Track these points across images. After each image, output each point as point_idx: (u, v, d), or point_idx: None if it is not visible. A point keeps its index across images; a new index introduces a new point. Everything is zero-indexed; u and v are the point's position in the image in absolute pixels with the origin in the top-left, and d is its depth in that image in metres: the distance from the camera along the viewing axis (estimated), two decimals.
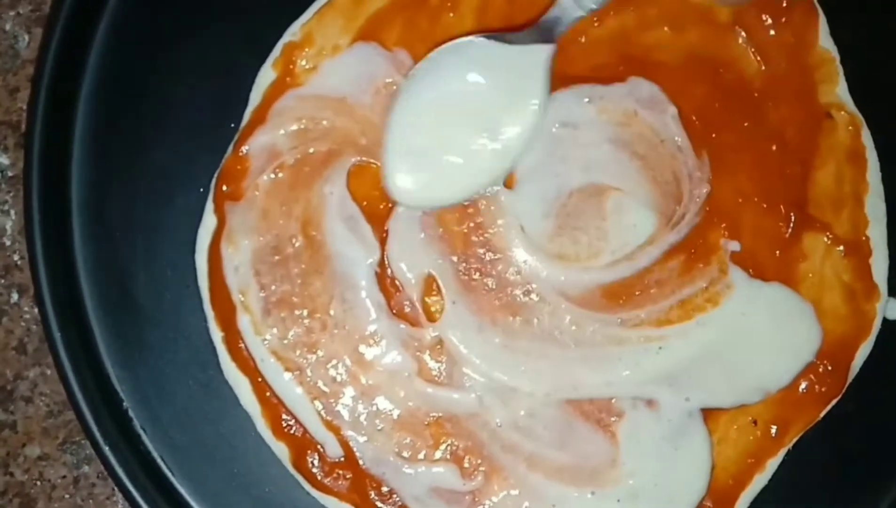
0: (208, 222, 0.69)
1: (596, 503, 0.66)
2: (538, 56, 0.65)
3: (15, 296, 0.73)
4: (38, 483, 0.72)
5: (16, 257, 0.73)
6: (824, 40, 0.69)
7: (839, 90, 0.69)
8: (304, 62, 0.68)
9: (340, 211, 0.68)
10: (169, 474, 0.68)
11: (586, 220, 0.68)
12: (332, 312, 0.68)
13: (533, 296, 0.67)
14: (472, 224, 0.68)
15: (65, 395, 0.70)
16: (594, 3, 0.66)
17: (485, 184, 0.67)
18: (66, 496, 0.72)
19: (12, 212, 0.73)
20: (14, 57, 0.74)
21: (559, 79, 0.67)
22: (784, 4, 0.68)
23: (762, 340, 0.67)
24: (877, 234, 0.69)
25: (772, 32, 0.68)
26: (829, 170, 0.69)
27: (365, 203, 0.68)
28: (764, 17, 0.68)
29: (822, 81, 0.69)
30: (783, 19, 0.68)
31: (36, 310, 0.72)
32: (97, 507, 0.72)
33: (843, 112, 0.69)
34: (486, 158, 0.66)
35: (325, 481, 0.67)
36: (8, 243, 0.73)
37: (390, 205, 0.68)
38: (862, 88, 0.69)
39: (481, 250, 0.68)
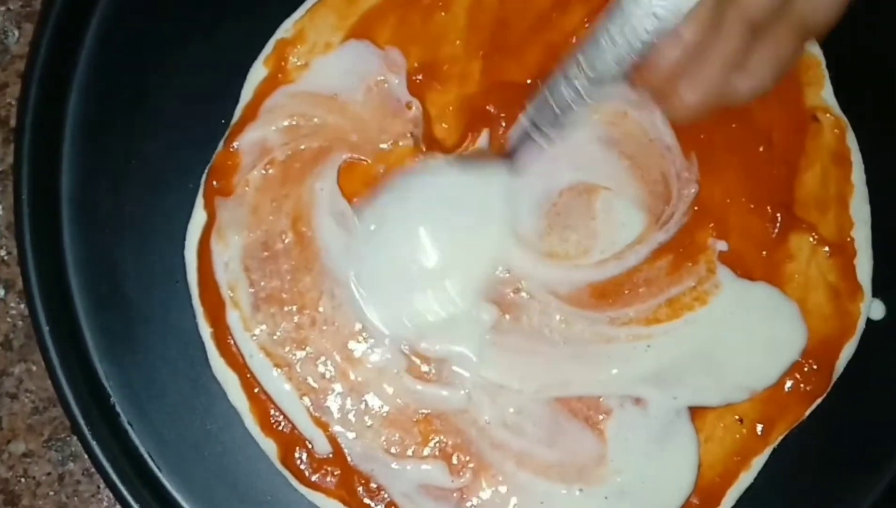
0: (198, 217, 0.68)
1: (584, 500, 0.66)
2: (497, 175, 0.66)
3: (1, 292, 0.72)
4: (23, 479, 0.72)
5: (2, 253, 0.73)
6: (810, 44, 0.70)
7: (825, 93, 0.70)
8: (295, 59, 0.68)
9: (331, 207, 0.68)
10: (156, 469, 0.67)
11: (576, 219, 0.68)
12: (321, 308, 0.68)
13: (523, 294, 0.68)
14: None
15: (50, 391, 0.70)
16: (554, 132, 0.63)
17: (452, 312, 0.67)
18: (51, 493, 0.72)
19: (0, 207, 0.73)
20: (3, 52, 0.74)
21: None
22: None
23: (749, 339, 0.68)
24: (861, 235, 0.69)
25: None
26: (815, 172, 0.69)
27: (355, 200, 0.68)
28: None
29: (808, 84, 0.70)
30: None
31: (22, 306, 0.72)
32: (82, 504, 0.72)
33: (828, 115, 0.70)
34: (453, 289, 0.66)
35: (314, 477, 0.67)
36: None
37: None
38: (847, 92, 0.70)
39: None
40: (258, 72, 0.69)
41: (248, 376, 0.67)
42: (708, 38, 0.56)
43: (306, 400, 0.67)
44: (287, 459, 0.67)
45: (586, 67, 0.59)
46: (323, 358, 0.67)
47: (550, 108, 0.62)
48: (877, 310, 0.70)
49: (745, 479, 0.68)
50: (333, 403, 0.67)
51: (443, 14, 0.69)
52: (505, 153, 0.66)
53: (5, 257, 0.73)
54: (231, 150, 0.68)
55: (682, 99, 0.57)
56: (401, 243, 0.66)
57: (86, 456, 0.67)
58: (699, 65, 0.56)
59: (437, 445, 0.67)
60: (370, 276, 0.67)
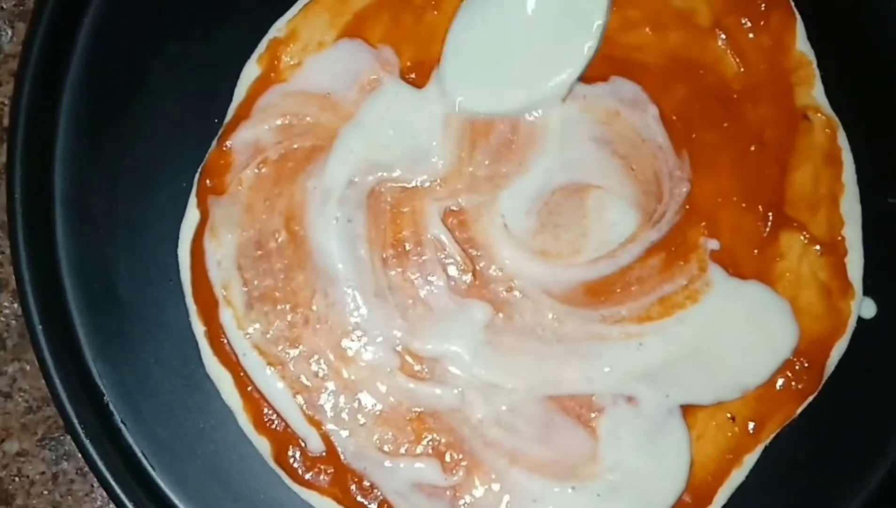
0: (191, 216, 0.69)
1: (576, 497, 0.67)
2: None
3: None
4: (17, 478, 0.72)
5: None
6: (801, 44, 0.70)
7: (815, 93, 0.70)
8: (288, 58, 0.69)
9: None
10: (150, 468, 0.68)
11: (568, 217, 0.68)
12: (314, 307, 0.68)
13: (516, 293, 0.68)
14: (455, 221, 0.68)
15: (44, 391, 0.70)
16: None
17: (543, 97, 0.67)
18: (45, 492, 0.72)
19: None
20: None
21: None
22: (763, 8, 0.70)
23: (740, 337, 0.68)
24: (852, 234, 0.70)
25: (751, 36, 0.70)
26: (806, 171, 0.70)
27: None
28: (743, 21, 0.70)
29: (799, 83, 0.70)
30: (762, 23, 0.70)
31: (15, 305, 0.72)
32: (76, 503, 0.72)
33: (819, 114, 0.70)
34: (546, 71, 0.66)
35: (307, 476, 0.67)
36: None
37: None
38: (838, 92, 0.70)
39: (465, 247, 0.68)
40: (251, 70, 0.69)
41: (242, 374, 0.68)
42: None
43: (299, 399, 0.67)
44: (280, 457, 0.67)
45: None
46: (316, 357, 0.68)
47: None
48: (868, 308, 0.70)
49: (737, 477, 0.69)
50: (327, 401, 0.67)
51: (435, 13, 0.69)
52: None
53: None
54: (224, 149, 0.68)
55: None
56: (501, 19, 0.67)
57: (79, 455, 0.68)
58: None
59: (430, 443, 0.67)
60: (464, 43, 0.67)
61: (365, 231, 0.68)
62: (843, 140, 0.70)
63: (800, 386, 0.69)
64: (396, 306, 0.68)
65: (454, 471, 0.67)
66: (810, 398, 0.69)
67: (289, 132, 0.68)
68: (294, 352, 0.67)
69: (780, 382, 0.68)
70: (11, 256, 0.68)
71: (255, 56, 0.69)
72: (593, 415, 0.68)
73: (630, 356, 0.68)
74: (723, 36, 0.70)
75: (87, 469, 0.69)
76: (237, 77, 0.69)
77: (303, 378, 0.67)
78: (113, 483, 0.66)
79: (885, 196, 0.70)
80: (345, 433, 0.67)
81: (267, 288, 0.68)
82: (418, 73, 0.68)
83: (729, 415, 0.68)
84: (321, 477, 0.67)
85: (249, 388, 0.68)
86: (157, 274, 0.69)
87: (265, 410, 0.67)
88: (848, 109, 0.70)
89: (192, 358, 0.68)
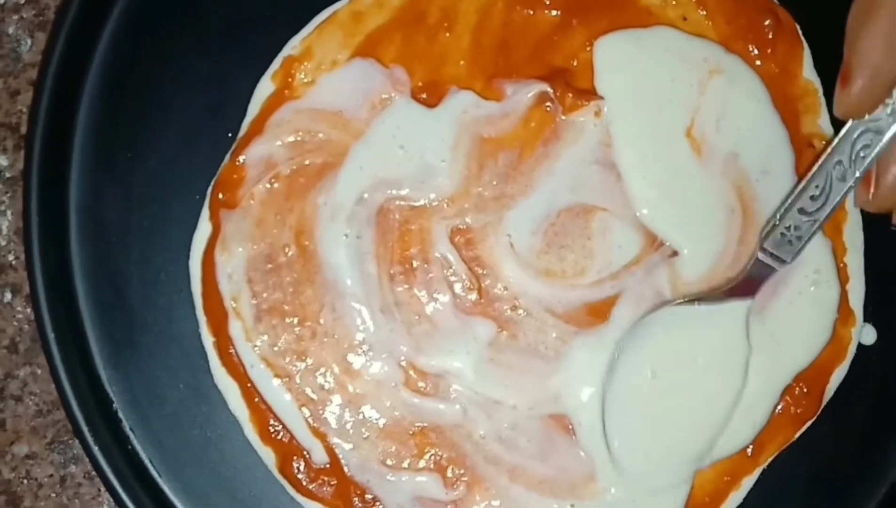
0: (203, 228, 0.70)
1: None
2: (737, 312, 0.67)
3: (8, 295, 0.74)
4: (25, 481, 0.73)
5: (10, 257, 0.74)
6: (808, 72, 0.71)
7: (821, 121, 0.71)
8: (302, 76, 0.70)
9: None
10: (156, 475, 0.69)
11: (573, 238, 0.69)
12: (321, 320, 0.69)
13: (520, 311, 0.69)
14: (462, 239, 0.69)
15: (54, 395, 0.71)
16: (788, 258, 0.66)
17: (697, 454, 0.67)
18: (53, 494, 0.73)
19: (9, 212, 0.74)
20: (16, 60, 0.75)
21: None
22: (770, 36, 0.70)
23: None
24: (854, 261, 0.70)
25: (758, 63, 0.70)
26: None
27: None
28: (751, 49, 0.70)
29: (804, 111, 0.71)
30: (769, 50, 0.70)
31: (28, 309, 0.73)
32: (83, 507, 0.73)
33: (824, 142, 0.70)
34: (700, 426, 0.67)
35: (310, 487, 0.68)
36: (3, 243, 0.74)
37: None
38: (843, 121, 0.71)
39: (471, 265, 0.69)
40: (266, 87, 0.70)
41: (249, 385, 0.69)
42: None
43: (305, 411, 0.68)
44: (285, 468, 0.68)
45: (818, 193, 0.64)
46: (322, 370, 0.69)
47: (786, 238, 0.65)
48: (868, 335, 0.71)
49: (735, 499, 0.69)
50: (332, 414, 0.68)
51: (447, 35, 0.70)
52: (738, 290, 0.67)
53: (13, 262, 0.74)
54: (237, 163, 0.69)
55: None
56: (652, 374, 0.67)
57: (87, 459, 0.69)
58: None
59: (433, 458, 0.68)
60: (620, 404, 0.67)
61: (373, 248, 0.69)
62: None
63: (799, 411, 0.69)
64: (402, 322, 0.68)
65: (455, 486, 0.68)
66: (809, 423, 0.70)
67: (301, 148, 0.69)
68: (301, 365, 0.68)
69: (779, 406, 0.69)
70: (26, 262, 0.69)
71: (269, 73, 0.70)
72: None
73: None
74: None
75: (94, 473, 0.70)
76: (251, 93, 0.70)
77: (309, 391, 0.68)
78: (119, 488, 0.67)
79: (888, 224, 0.71)
80: (349, 446, 0.68)
81: (276, 301, 0.69)
82: (429, 93, 0.69)
83: None
84: (324, 489, 0.68)
85: (256, 399, 0.68)
86: (168, 285, 0.70)
87: (271, 421, 0.68)
88: None
89: (201, 368, 0.69)
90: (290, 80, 0.69)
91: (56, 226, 0.70)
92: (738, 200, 0.68)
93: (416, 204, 0.69)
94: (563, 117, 0.69)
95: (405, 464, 0.68)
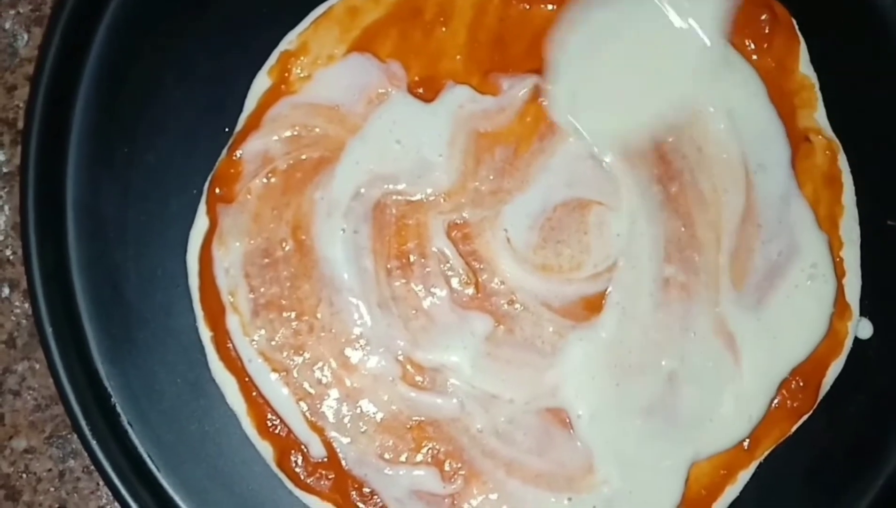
0: (200, 223, 0.70)
1: None
2: None
3: (6, 290, 0.74)
4: (24, 475, 0.73)
5: (7, 253, 0.74)
6: (804, 67, 0.71)
7: (817, 115, 0.71)
8: (299, 70, 0.70)
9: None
10: (154, 469, 0.69)
11: (569, 233, 0.69)
12: (319, 315, 0.69)
13: (517, 305, 0.69)
14: (459, 234, 0.69)
15: (52, 389, 0.71)
16: None
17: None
18: (52, 489, 0.73)
19: (6, 208, 0.74)
20: (13, 55, 0.75)
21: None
22: (767, 31, 0.70)
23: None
24: (850, 256, 0.71)
25: (755, 58, 0.70)
26: (807, 192, 0.70)
27: None
28: (748, 43, 0.70)
29: (801, 105, 0.71)
30: (766, 45, 0.70)
31: (26, 305, 0.73)
32: (82, 501, 0.73)
33: (820, 137, 0.71)
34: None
35: (308, 480, 0.68)
36: (0, 238, 0.74)
37: None
38: (839, 114, 0.71)
39: (468, 260, 0.69)
40: (262, 82, 0.70)
41: (247, 380, 0.69)
42: None
43: (303, 405, 0.68)
44: (282, 462, 0.69)
45: None
46: (320, 364, 0.69)
47: None
48: (864, 329, 0.71)
49: (731, 492, 0.70)
50: (329, 408, 0.68)
51: (443, 30, 0.70)
52: None
53: (10, 257, 0.74)
54: (234, 158, 0.69)
55: None
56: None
57: (86, 453, 0.69)
58: None
59: (430, 452, 0.68)
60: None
61: (370, 243, 0.69)
62: (843, 162, 0.71)
63: (795, 405, 0.69)
64: (399, 317, 0.69)
65: (453, 480, 0.68)
66: (805, 417, 0.70)
67: (297, 143, 0.69)
68: (298, 359, 0.69)
69: (776, 400, 0.69)
70: (23, 257, 0.69)
71: (266, 68, 0.70)
72: None
73: None
74: None
75: (93, 467, 0.70)
76: (248, 88, 0.70)
77: (306, 385, 0.69)
78: (117, 482, 0.67)
79: (884, 218, 0.71)
80: (346, 440, 0.68)
81: (273, 296, 0.69)
82: (426, 87, 0.69)
83: None
84: (322, 482, 0.68)
85: (254, 393, 0.69)
86: (166, 279, 0.70)
87: (269, 415, 0.69)
88: (849, 131, 0.71)
89: (198, 363, 0.69)
90: (286, 75, 0.69)
91: (53, 221, 0.70)
92: None
93: (413, 199, 0.69)
94: None
95: (402, 458, 0.68)
